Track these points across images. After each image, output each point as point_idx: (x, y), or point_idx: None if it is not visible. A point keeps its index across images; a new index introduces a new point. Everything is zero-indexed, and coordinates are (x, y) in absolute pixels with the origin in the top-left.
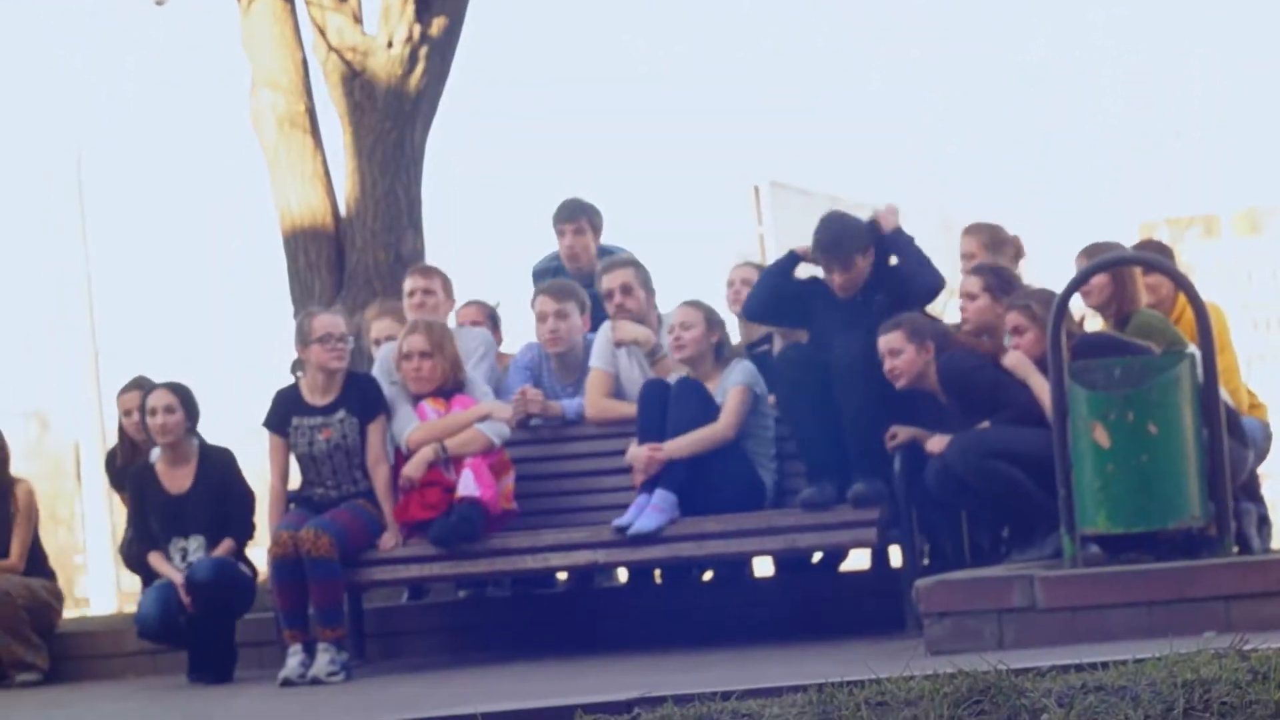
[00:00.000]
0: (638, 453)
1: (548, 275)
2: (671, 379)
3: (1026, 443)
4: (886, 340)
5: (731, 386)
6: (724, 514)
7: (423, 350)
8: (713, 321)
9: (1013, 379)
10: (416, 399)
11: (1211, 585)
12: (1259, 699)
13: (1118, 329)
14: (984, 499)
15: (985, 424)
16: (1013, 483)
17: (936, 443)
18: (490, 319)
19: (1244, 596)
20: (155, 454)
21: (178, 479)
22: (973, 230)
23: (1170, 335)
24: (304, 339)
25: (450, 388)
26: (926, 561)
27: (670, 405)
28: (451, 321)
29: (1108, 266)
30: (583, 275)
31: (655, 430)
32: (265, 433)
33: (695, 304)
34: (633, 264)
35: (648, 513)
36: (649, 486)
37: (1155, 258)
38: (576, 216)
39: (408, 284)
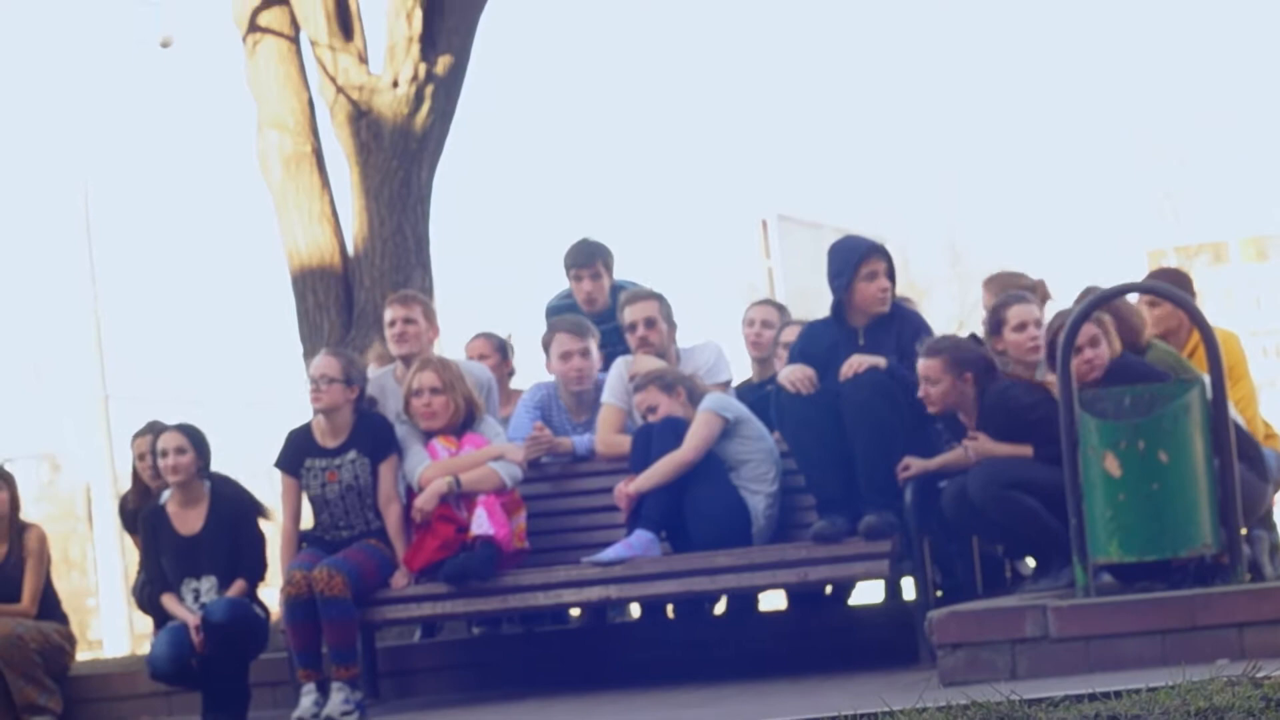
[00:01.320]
0: (619, 490)
1: (562, 313)
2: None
3: (1046, 474)
4: (925, 366)
5: (699, 413)
6: (713, 542)
7: (433, 387)
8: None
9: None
10: (427, 436)
11: (1224, 613)
12: None
13: None
14: (1000, 529)
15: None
16: (1031, 514)
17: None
18: (500, 350)
19: (1257, 624)
20: (166, 495)
21: (189, 520)
22: (991, 282)
23: (1183, 370)
24: (310, 380)
25: (461, 424)
26: (939, 593)
27: (653, 444)
28: (451, 353)
29: (1115, 296)
30: (596, 316)
31: (642, 470)
32: (277, 472)
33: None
34: (656, 297)
35: (616, 546)
36: (632, 526)
37: (1161, 285)
38: (592, 260)
39: (387, 314)
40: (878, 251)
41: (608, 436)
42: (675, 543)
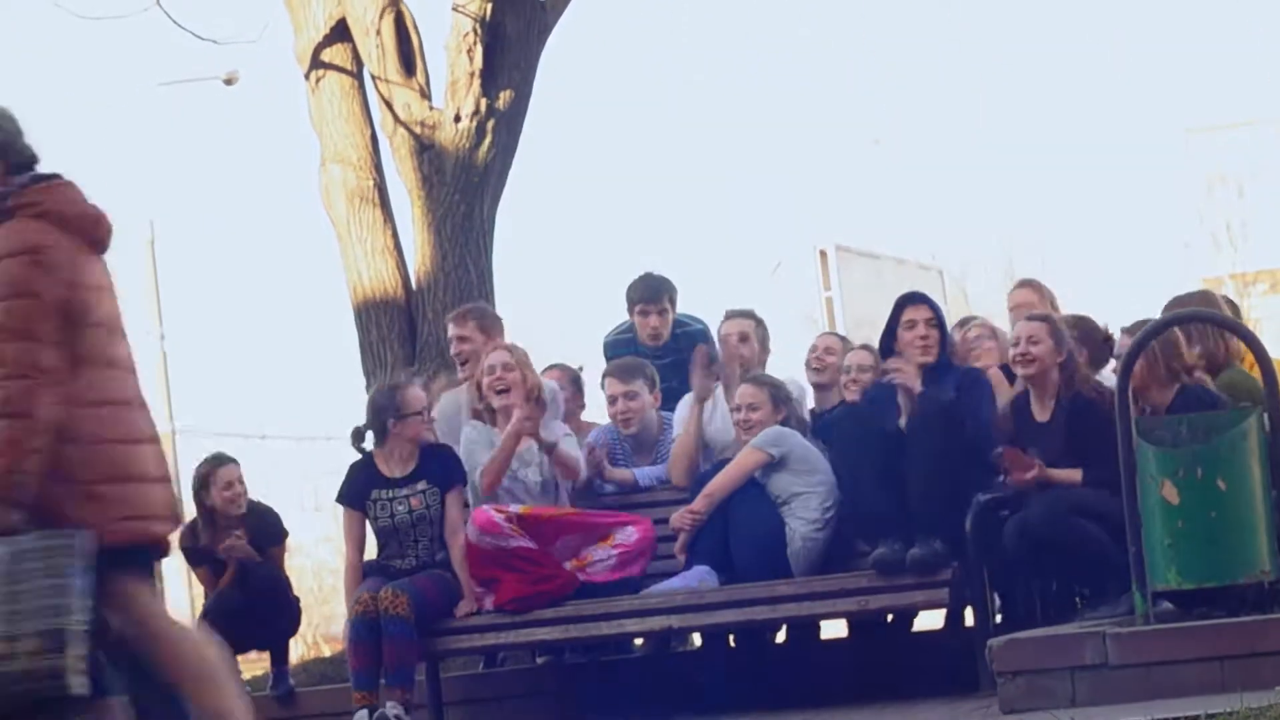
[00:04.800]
0: (675, 519)
1: (621, 347)
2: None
3: (1105, 502)
4: (1028, 328)
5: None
6: (751, 567)
7: (505, 363)
8: (778, 399)
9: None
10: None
11: None
12: None
13: None
14: (1063, 556)
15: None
16: (1094, 541)
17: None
18: (574, 383)
19: None
20: None
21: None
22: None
23: (1258, 393)
24: (397, 411)
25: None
26: (999, 619)
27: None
28: None
29: (1181, 321)
30: (657, 351)
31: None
32: (338, 506)
33: (759, 381)
34: (754, 318)
35: (673, 580)
36: (689, 563)
37: (1216, 314)
38: (659, 297)
39: (449, 331)
40: (914, 300)
41: (680, 464)
42: (721, 573)
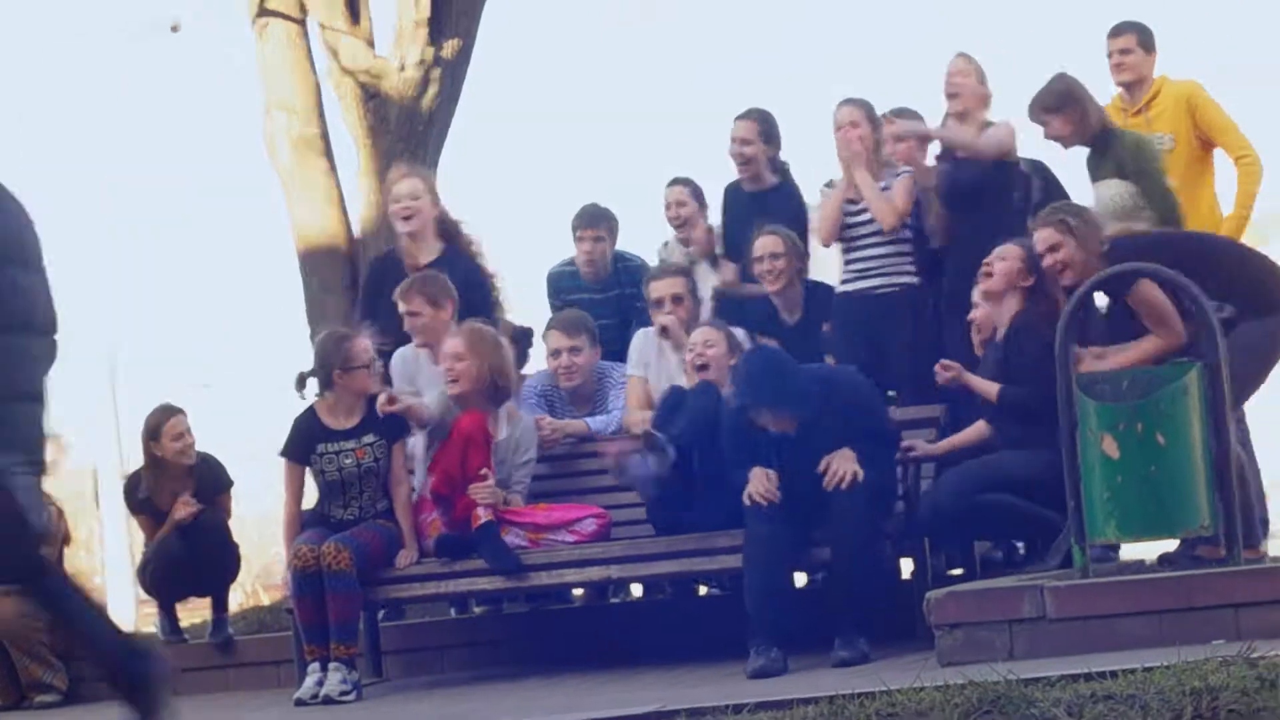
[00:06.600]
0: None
1: (563, 279)
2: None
3: (1020, 467)
4: (1043, 236)
5: None
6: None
7: (457, 354)
8: (733, 344)
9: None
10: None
11: (1221, 594)
12: (1267, 706)
13: (1098, 156)
14: (981, 531)
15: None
16: (1009, 511)
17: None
18: (515, 339)
19: (1253, 605)
20: None
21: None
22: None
23: (1152, 152)
24: (344, 363)
25: (490, 396)
26: (959, 571)
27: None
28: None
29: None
30: (598, 281)
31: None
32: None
33: (716, 325)
34: (684, 272)
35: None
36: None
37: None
38: (597, 223)
39: (399, 307)
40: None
41: (635, 412)
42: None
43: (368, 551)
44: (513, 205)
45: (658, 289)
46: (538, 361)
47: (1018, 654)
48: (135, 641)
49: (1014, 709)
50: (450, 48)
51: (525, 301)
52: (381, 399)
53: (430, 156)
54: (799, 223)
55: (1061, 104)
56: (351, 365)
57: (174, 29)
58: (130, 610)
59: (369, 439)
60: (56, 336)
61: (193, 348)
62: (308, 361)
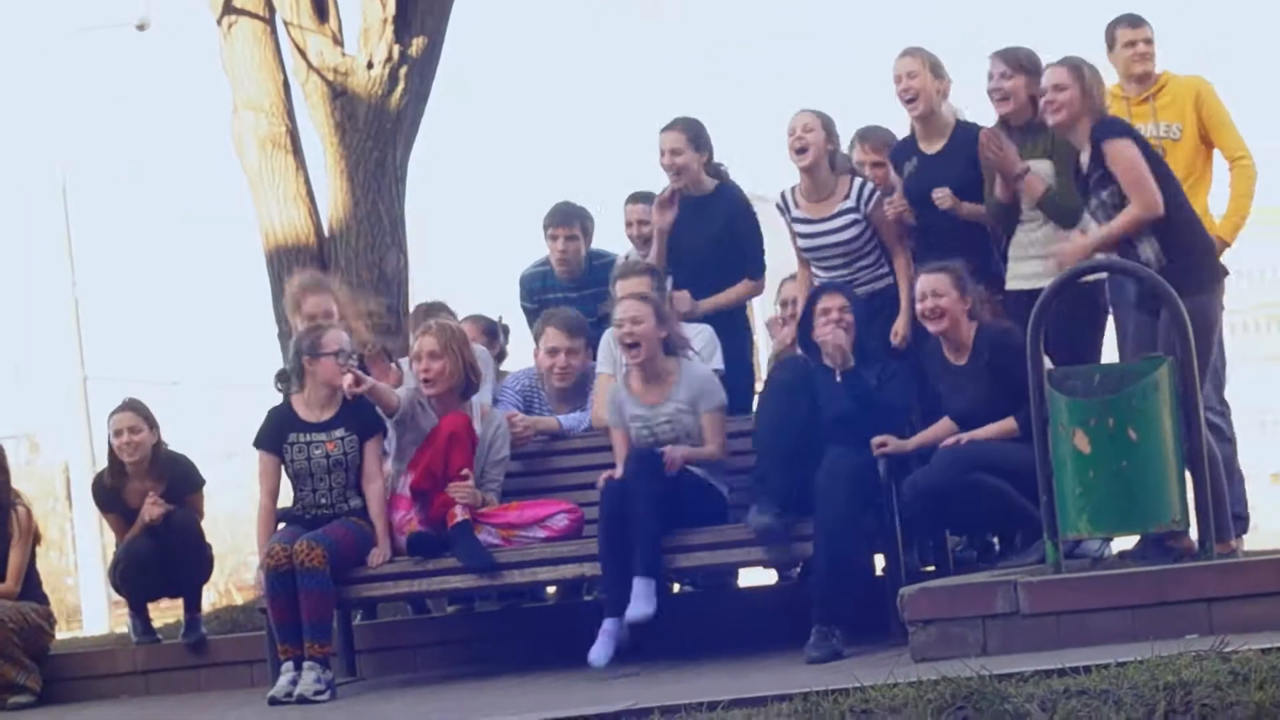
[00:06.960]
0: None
1: (536, 280)
2: None
3: (1011, 455)
4: (930, 281)
5: (705, 413)
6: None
7: (431, 351)
8: (661, 314)
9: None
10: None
11: (1193, 588)
12: (1239, 700)
13: (1031, 136)
14: (968, 513)
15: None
16: (999, 495)
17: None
18: (488, 332)
19: (1225, 599)
20: None
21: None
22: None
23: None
24: (313, 349)
25: (463, 391)
26: (932, 567)
27: None
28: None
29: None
30: (573, 280)
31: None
32: (253, 451)
33: (642, 297)
34: (650, 270)
35: (637, 601)
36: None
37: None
38: (570, 221)
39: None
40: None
41: (603, 410)
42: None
43: (340, 549)
44: (483, 204)
45: (624, 287)
46: (517, 358)
47: (991, 649)
48: None
49: (987, 705)
50: (417, 45)
51: (496, 300)
52: (347, 379)
53: (400, 154)
54: (741, 221)
55: (1037, 70)
56: (320, 352)
57: (141, 27)
58: (103, 611)
59: (340, 433)
60: None
61: (162, 346)
62: (278, 361)
